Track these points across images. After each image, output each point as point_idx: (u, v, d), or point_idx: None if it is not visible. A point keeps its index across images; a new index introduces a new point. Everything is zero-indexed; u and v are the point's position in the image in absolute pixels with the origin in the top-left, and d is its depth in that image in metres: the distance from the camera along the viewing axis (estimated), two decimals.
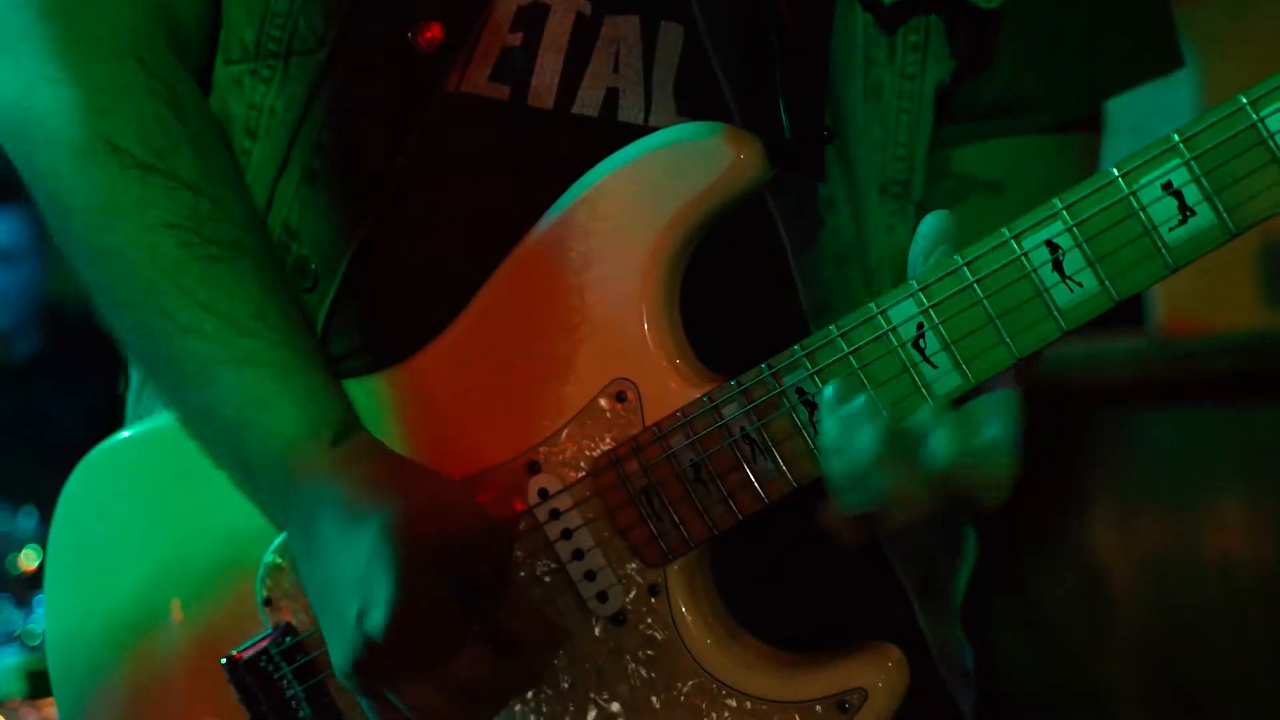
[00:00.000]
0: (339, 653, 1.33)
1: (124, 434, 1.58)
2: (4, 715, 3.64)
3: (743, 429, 1.33)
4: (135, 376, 1.61)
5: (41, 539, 3.84)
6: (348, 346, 1.47)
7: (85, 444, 4.08)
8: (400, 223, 1.44)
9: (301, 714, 1.45)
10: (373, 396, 1.44)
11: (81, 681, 1.57)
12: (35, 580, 3.80)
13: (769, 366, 1.32)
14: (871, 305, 1.29)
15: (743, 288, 1.43)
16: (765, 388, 1.33)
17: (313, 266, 1.46)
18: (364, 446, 1.38)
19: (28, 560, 3.84)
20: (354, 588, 1.30)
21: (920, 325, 1.28)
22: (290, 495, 1.38)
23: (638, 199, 1.36)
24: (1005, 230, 1.25)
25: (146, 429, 1.56)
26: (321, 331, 1.46)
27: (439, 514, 1.32)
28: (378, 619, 1.28)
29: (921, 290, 1.27)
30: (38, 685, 3.55)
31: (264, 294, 1.41)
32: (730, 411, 1.33)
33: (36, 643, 3.61)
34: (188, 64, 1.48)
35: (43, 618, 3.69)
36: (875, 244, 1.44)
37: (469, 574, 1.31)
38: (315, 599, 1.37)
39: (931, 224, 1.26)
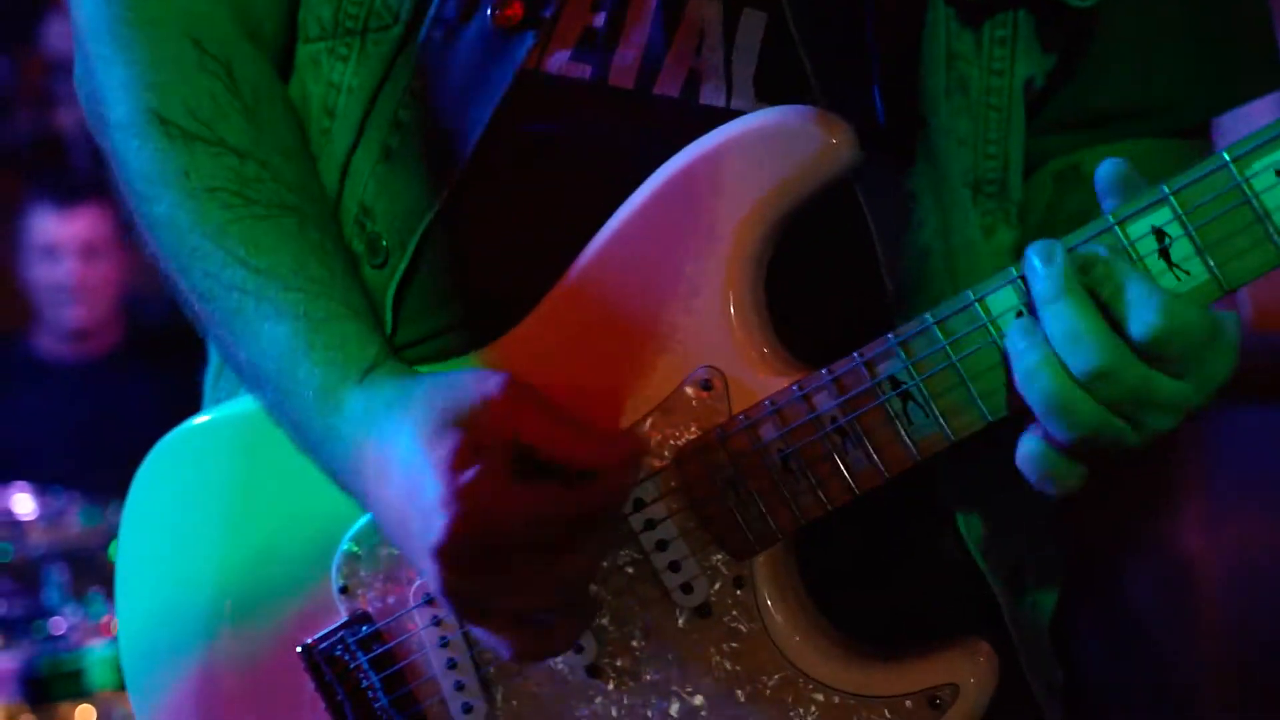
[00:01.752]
0: (432, 582, 1.29)
1: (199, 418, 1.57)
2: (95, 706, 3.68)
3: (834, 419, 1.30)
4: (213, 361, 1.61)
5: None
6: (418, 333, 1.45)
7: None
8: (475, 203, 1.42)
9: (377, 703, 1.43)
10: None
11: (153, 668, 1.55)
12: None
13: (861, 355, 1.29)
14: (969, 293, 1.26)
15: (828, 276, 1.39)
16: (858, 377, 1.29)
17: (384, 243, 1.44)
18: (386, 372, 1.35)
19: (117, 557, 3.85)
20: (412, 508, 1.27)
21: (1020, 314, 1.24)
22: (334, 443, 1.35)
23: (725, 183, 1.33)
24: (1110, 217, 1.22)
25: (221, 413, 1.54)
26: (392, 309, 1.44)
27: (461, 399, 1.27)
28: (437, 524, 1.24)
29: (1020, 278, 1.24)
30: None
31: (305, 249, 1.39)
32: (821, 401, 1.30)
33: None
34: (261, 46, 1.47)
35: None
36: (967, 242, 1.40)
37: (528, 447, 1.26)
38: (396, 541, 1.33)
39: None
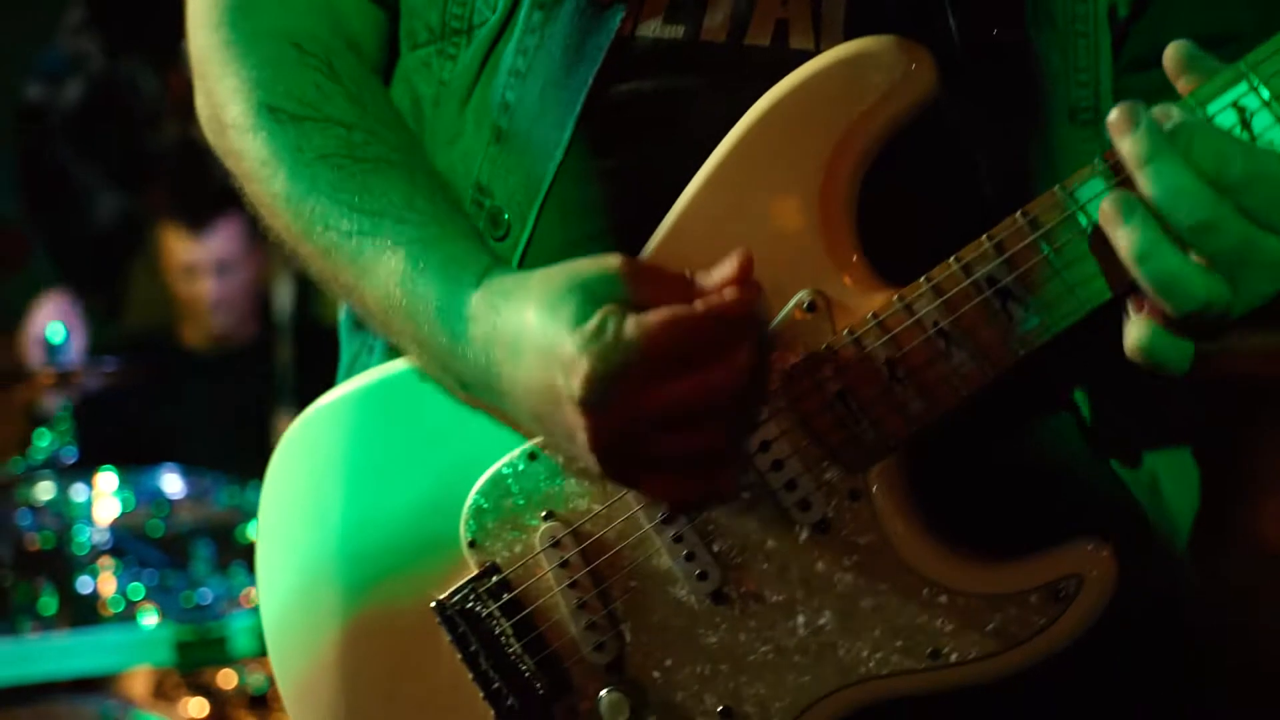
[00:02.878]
0: (583, 443, 1.23)
1: (333, 394, 1.53)
2: (236, 671, 3.70)
3: (936, 323, 1.23)
4: (344, 358, 1.59)
5: None
6: None
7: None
8: (585, 167, 1.39)
9: (511, 649, 1.39)
10: None
11: (293, 633, 1.52)
12: None
13: (958, 260, 1.23)
14: (1057, 188, 1.19)
15: (922, 197, 1.34)
16: (955, 280, 1.23)
17: (505, 216, 1.42)
18: (501, 271, 1.33)
19: (252, 533, 3.88)
20: (548, 374, 1.23)
21: (1114, 189, 1.17)
22: (462, 346, 1.32)
23: (811, 115, 1.28)
24: (1190, 99, 1.15)
25: (355, 388, 1.51)
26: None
27: (578, 271, 1.25)
28: (576, 374, 1.20)
29: (1106, 160, 1.17)
30: None
31: (413, 190, 1.40)
32: (922, 307, 1.24)
33: None
34: (360, 58, 1.49)
35: None
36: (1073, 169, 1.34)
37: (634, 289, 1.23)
38: (539, 420, 1.29)
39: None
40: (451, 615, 1.40)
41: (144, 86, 5.18)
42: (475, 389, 1.35)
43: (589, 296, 1.22)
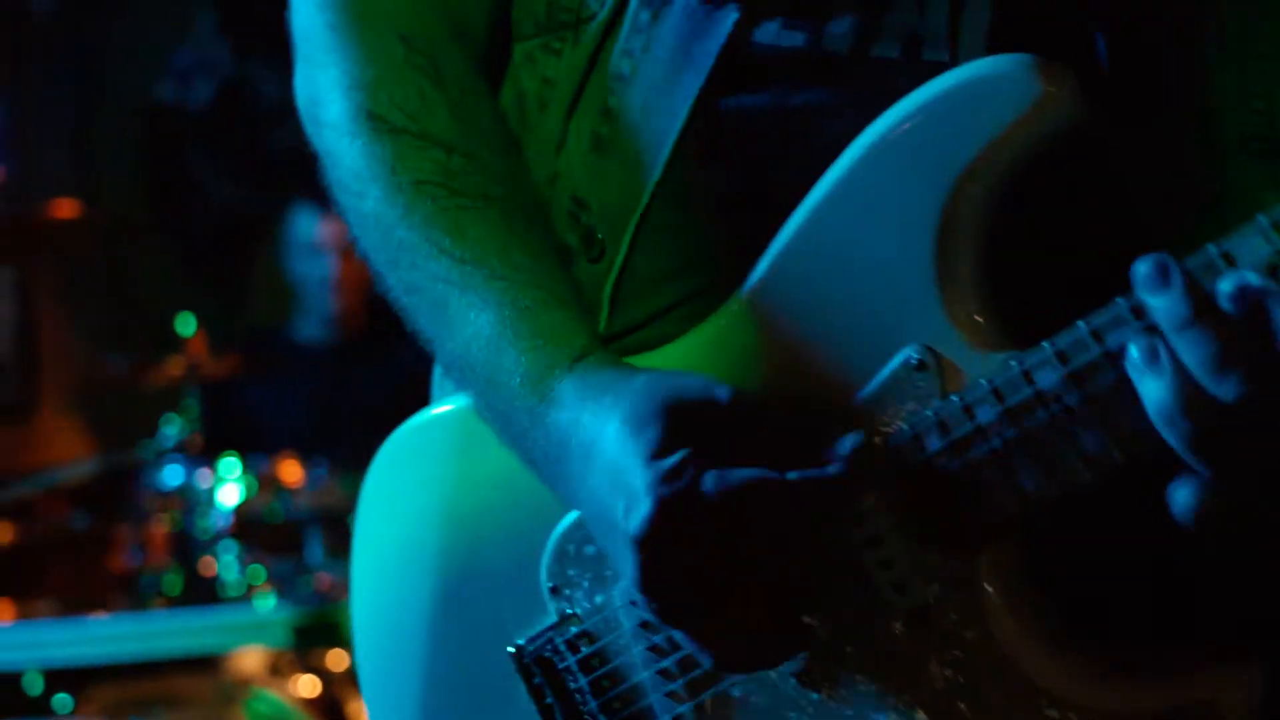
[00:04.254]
0: (632, 576, 1.06)
1: (425, 413, 1.35)
2: (346, 653, 3.60)
3: (1059, 398, 0.99)
4: None
5: None
6: (633, 319, 1.21)
7: (408, 413, 3.91)
8: (686, 184, 1.17)
9: (585, 707, 1.19)
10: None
11: (379, 651, 1.36)
12: None
13: (1088, 324, 0.98)
14: (1210, 247, 0.94)
15: (1052, 239, 1.09)
16: (1083, 348, 0.98)
17: (599, 235, 1.21)
18: (598, 360, 1.14)
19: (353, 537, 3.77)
20: (614, 496, 1.05)
21: (1274, 269, 0.92)
22: (539, 431, 1.14)
23: (933, 143, 1.04)
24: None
25: (446, 409, 1.33)
26: (609, 302, 1.21)
27: (681, 393, 1.05)
28: (638, 511, 1.02)
29: (1273, 227, 0.93)
30: None
31: (510, 238, 1.19)
32: (1044, 378, 1.00)
33: None
34: (468, 45, 1.28)
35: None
36: (1242, 205, 1.08)
37: (731, 442, 1.03)
38: (598, 533, 1.12)
39: None
40: (529, 664, 1.21)
41: (268, 88, 5.10)
42: (540, 471, 1.16)
43: (678, 428, 1.03)
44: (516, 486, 1.22)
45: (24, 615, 3.71)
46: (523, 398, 1.13)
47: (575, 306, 1.17)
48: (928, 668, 1.06)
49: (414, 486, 1.32)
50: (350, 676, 3.63)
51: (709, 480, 1.00)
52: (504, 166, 1.23)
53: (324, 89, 1.26)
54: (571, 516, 1.19)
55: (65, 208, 4.51)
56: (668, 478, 1.00)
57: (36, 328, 4.94)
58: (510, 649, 1.22)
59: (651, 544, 1.02)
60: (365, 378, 4.44)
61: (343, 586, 3.63)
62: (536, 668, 1.21)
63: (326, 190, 4.14)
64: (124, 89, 5.11)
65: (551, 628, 1.20)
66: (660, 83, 1.17)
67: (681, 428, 1.03)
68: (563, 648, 1.20)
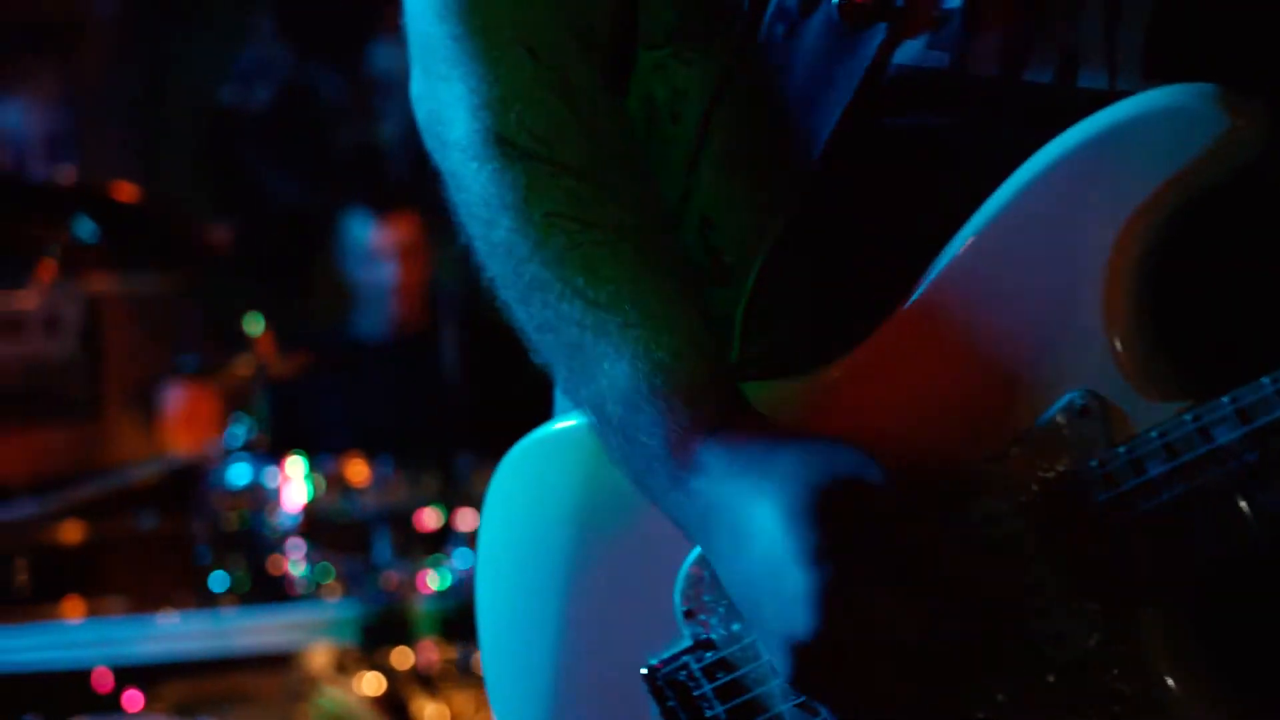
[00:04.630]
0: (775, 655, 1.02)
1: (551, 427, 1.29)
2: (415, 652, 3.57)
3: (1239, 457, 0.93)
4: None
5: (445, 501, 3.74)
6: (762, 348, 1.15)
7: (474, 413, 3.84)
8: (824, 213, 1.11)
9: None
10: (789, 406, 1.11)
11: (506, 663, 1.31)
12: (434, 539, 3.71)
13: (1274, 381, 0.92)
14: None
15: (1235, 282, 1.03)
16: (1268, 407, 0.92)
17: (727, 259, 1.15)
18: (744, 426, 1.06)
19: (429, 520, 3.75)
20: (768, 589, 0.99)
21: None
22: (681, 494, 1.07)
23: (1104, 178, 0.98)
24: None
25: (572, 424, 1.27)
26: (740, 329, 1.15)
27: (835, 483, 0.98)
28: (798, 619, 0.96)
29: None
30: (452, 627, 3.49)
31: (645, 279, 1.11)
32: (1222, 434, 0.94)
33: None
34: (594, 52, 1.19)
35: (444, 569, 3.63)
36: None
37: (893, 541, 0.97)
38: (739, 601, 1.06)
39: None
40: (663, 686, 1.16)
41: (327, 90, 5.06)
42: (686, 532, 1.09)
43: (836, 530, 0.96)
44: (647, 508, 1.16)
45: (93, 613, 3.70)
46: (663, 462, 1.07)
47: (715, 355, 1.10)
48: None
49: (544, 498, 1.27)
50: (414, 675, 3.60)
51: (874, 597, 0.95)
52: (638, 192, 1.15)
53: (448, 105, 1.18)
54: None
55: None
56: (831, 594, 0.95)
57: (102, 327, 4.92)
58: (643, 670, 1.17)
59: (808, 655, 0.97)
60: (428, 377, 4.41)
61: (408, 585, 3.61)
62: (670, 691, 1.16)
63: (382, 195, 4.04)
64: (186, 92, 5.09)
65: (686, 651, 1.15)
66: (797, 103, 1.11)
67: (838, 530, 0.97)
68: (698, 674, 1.15)
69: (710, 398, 1.07)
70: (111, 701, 3.46)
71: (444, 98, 1.18)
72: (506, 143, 1.14)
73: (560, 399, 1.32)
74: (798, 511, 0.97)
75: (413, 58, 1.23)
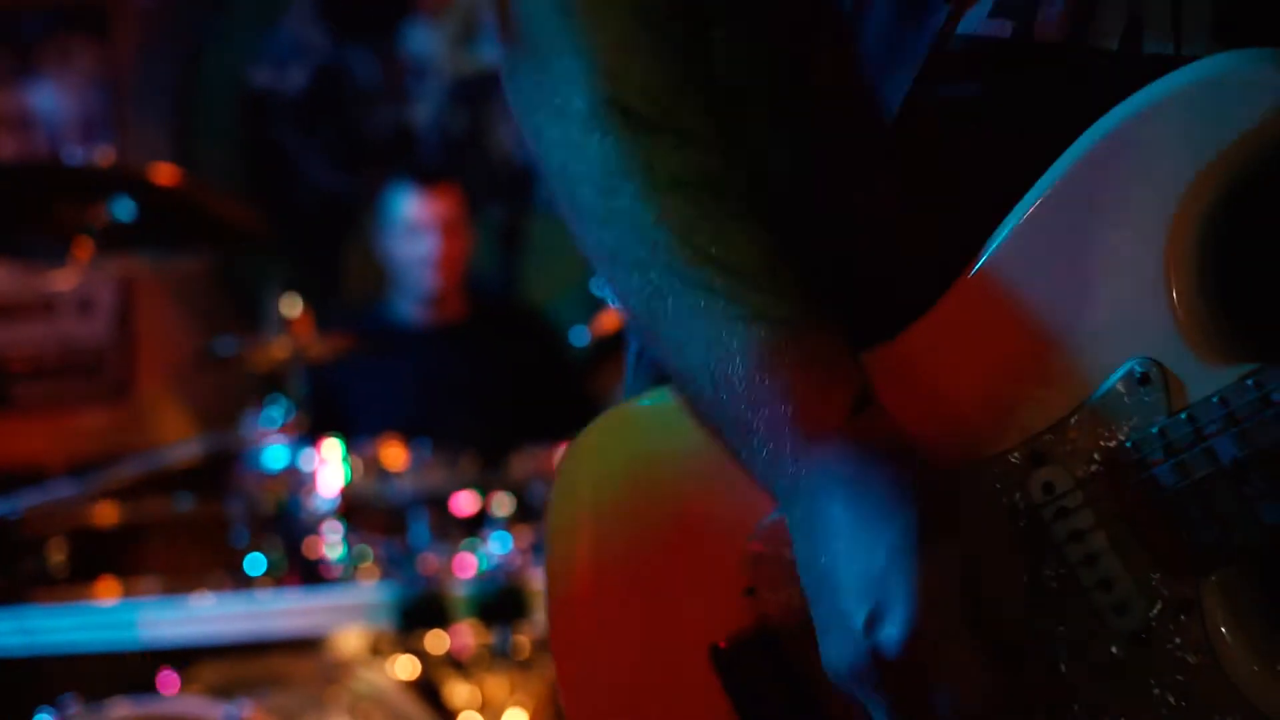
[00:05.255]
0: (835, 652, 1.02)
1: (632, 403, 1.31)
2: (450, 636, 3.58)
3: None
4: (633, 347, 1.34)
5: (482, 485, 3.74)
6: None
7: (506, 398, 3.82)
8: (889, 184, 1.11)
9: (786, 710, 1.15)
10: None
11: (574, 637, 1.33)
12: (471, 523, 3.71)
13: None
14: None
15: None
16: None
17: None
18: (885, 425, 1.05)
19: (465, 504, 3.75)
20: (866, 588, 0.99)
21: None
22: (797, 466, 1.06)
23: (1166, 145, 0.98)
24: None
25: (652, 401, 1.28)
26: None
27: (971, 530, 0.99)
28: (893, 633, 0.96)
29: None
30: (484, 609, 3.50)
31: (773, 250, 1.11)
32: None
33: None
34: (698, 25, 1.19)
35: (481, 554, 3.63)
36: None
37: (992, 599, 0.98)
38: (812, 584, 1.05)
39: None
40: (728, 664, 1.18)
41: (363, 73, 5.07)
42: (780, 501, 1.09)
43: (957, 572, 0.98)
44: (712, 485, 1.18)
45: (129, 595, 3.71)
46: (787, 430, 1.06)
47: (839, 329, 1.09)
48: (1147, 692, 1.01)
49: (616, 473, 1.29)
50: (447, 659, 3.61)
51: (962, 648, 0.96)
52: (753, 165, 1.15)
53: (561, 76, 1.16)
54: (770, 518, 1.14)
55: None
56: (927, 628, 0.96)
57: (137, 309, 4.95)
58: (711, 647, 1.18)
59: (871, 676, 0.99)
60: (465, 359, 4.41)
61: (445, 568, 3.61)
62: (736, 668, 1.17)
63: (422, 171, 4.04)
64: (221, 74, 5.11)
65: (750, 628, 1.16)
66: (865, 74, 1.12)
67: (957, 565, 0.98)
68: (762, 652, 1.15)
69: (850, 378, 1.06)
70: (148, 683, 3.48)
71: (556, 70, 1.17)
72: (629, 112, 1.13)
73: (630, 379, 1.34)
74: (912, 545, 0.98)
75: (520, 35, 1.21)
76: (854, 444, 1.03)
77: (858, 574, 0.99)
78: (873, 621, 0.98)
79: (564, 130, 1.16)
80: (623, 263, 1.14)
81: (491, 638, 3.58)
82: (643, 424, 1.28)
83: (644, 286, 1.13)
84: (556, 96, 1.16)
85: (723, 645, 1.17)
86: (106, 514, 3.89)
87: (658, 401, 1.24)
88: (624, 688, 1.28)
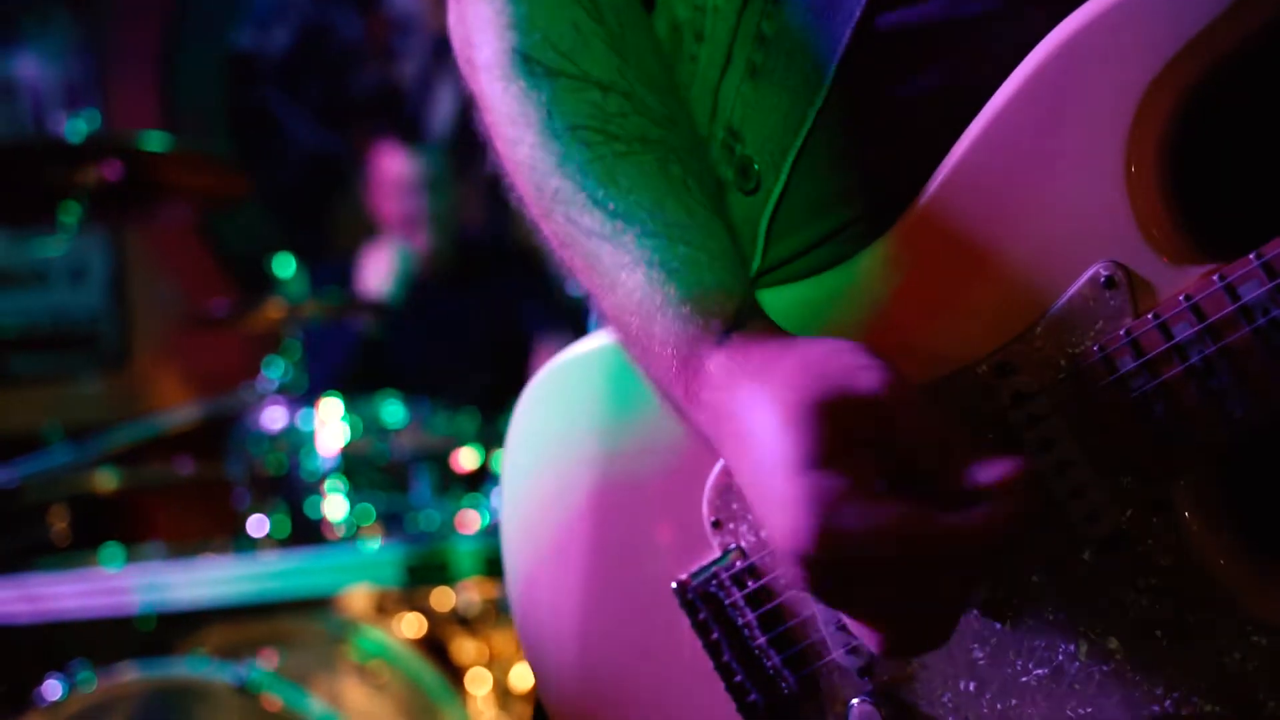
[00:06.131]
0: (786, 569, 1.00)
1: (574, 349, 1.31)
2: (455, 592, 3.59)
3: (1268, 312, 0.93)
4: None
5: (482, 440, 3.74)
6: (792, 248, 1.15)
7: (505, 348, 3.82)
8: (848, 111, 1.11)
9: (754, 641, 1.16)
10: (819, 301, 1.12)
11: (535, 587, 1.33)
12: (473, 479, 3.71)
13: None
14: None
15: (1256, 145, 1.02)
16: None
17: (755, 167, 1.15)
18: (749, 333, 1.05)
19: (466, 460, 3.75)
20: (767, 490, 0.97)
21: None
22: (700, 402, 1.06)
23: (1123, 45, 0.97)
24: None
25: (595, 344, 1.29)
26: (765, 235, 1.15)
27: (833, 385, 0.96)
28: (791, 524, 0.94)
29: None
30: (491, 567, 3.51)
31: (665, 189, 1.10)
32: (1250, 291, 0.94)
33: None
34: None
35: (484, 509, 3.64)
36: None
37: (905, 455, 0.96)
38: (754, 508, 1.04)
39: None
40: (693, 599, 1.18)
41: (346, 31, 5.05)
42: (700, 437, 1.09)
43: (831, 435, 0.94)
44: (672, 421, 1.16)
45: (133, 560, 3.73)
46: (677, 369, 1.06)
47: (730, 262, 1.10)
48: (1122, 596, 1.02)
49: (570, 418, 1.29)
50: (454, 616, 3.63)
51: (855, 517, 0.92)
52: (663, 105, 1.15)
53: (476, 29, 1.19)
54: None
55: None
56: (814, 502, 0.93)
57: (130, 275, 4.96)
58: (673, 584, 1.19)
59: (804, 559, 0.95)
60: (461, 310, 4.41)
61: (448, 524, 3.63)
62: (701, 603, 1.18)
63: (408, 129, 4.02)
64: (204, 36, 5.09)
65: (715, 562, 1.17)
66: (817, 4, 1.12)
67: (832, 435, 0.95)
68: (728, 583, 1.16)
69: (721, 307, 1.06)
70: (156, 647, 3.51)
71: (472, 21, 1.19)
72: (532, 60, 1.15)
73: (592, 321, 1.34)
74: (794, 415, 0.96)
75: None
76: (731, 365, 1.03)
77: (766, 484, 0.97)
78: (780, 523, 0.96)
79: (479, 82, 1.18)
80: (536, 210, 1.15)
81: (497, 593, 3.59)
82: (598, 363, 1.27)
83: (553, 236, 1.14)
84: (473, 49, 1.18)
85: (688, 581, 1.18)
86: (107, 481, 3.90)
87: (609, 341, 1.24)
88: (593, 635, 1.28)
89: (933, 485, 0.95)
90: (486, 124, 1.19)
